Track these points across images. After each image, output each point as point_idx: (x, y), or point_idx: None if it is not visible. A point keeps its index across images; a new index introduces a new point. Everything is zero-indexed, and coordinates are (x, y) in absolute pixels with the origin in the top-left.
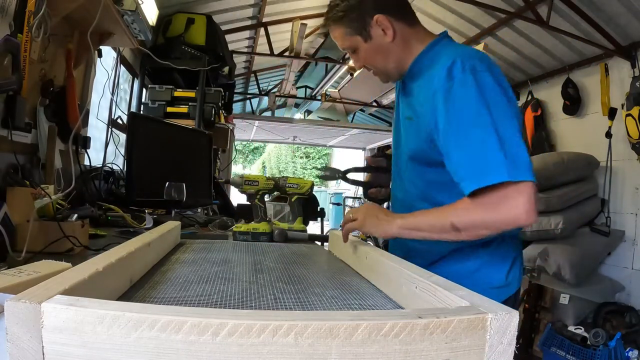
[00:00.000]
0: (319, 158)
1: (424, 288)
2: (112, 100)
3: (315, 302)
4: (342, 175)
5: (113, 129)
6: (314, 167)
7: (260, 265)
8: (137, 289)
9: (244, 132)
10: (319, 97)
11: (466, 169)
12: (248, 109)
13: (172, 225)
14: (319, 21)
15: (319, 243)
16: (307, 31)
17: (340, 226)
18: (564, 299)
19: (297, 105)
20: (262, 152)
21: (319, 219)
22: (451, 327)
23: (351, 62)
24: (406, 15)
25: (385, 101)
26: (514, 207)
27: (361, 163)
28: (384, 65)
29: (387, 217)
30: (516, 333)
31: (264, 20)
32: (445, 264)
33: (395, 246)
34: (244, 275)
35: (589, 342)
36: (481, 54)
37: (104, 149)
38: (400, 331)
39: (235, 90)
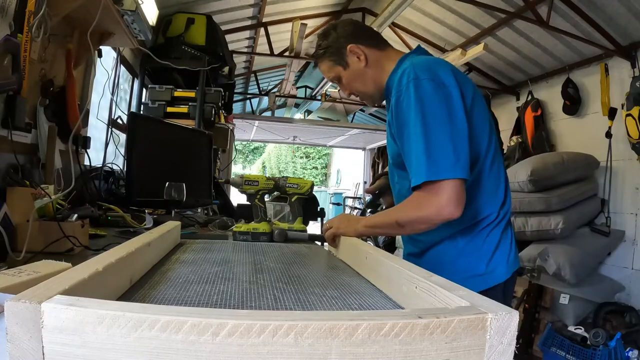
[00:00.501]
0: (319, 158)
1: (424, 288)
2: (112, 100)
3: (315, 302)
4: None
5: (113, 129)
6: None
7: (260, 265)
8: (137, 289)
9: (244, 132)
10: (319, 97)
11: (409, 172)
12: (248, 109)
13: (172, 225)
14: (319, 21)
15: (319, 243)
16: (307, 31)
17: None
18: (564, 299)
19: (297, 105)
20: (262, 152)
21: (319, 219)
22: (451, 327)
23: None
24: (375, 41)
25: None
26: (434, 203)
27: (361, 164)
28: (364, 88)
29: (355, 220)
30: (516, 333)
31: (264, 20)
32: (431, 253)
33: (407, 242)
34: (244, 275)
35: (589, 342)
36: (434, 62)
37: (104, 149)
38: (400, 331)
39: (235, 90)
